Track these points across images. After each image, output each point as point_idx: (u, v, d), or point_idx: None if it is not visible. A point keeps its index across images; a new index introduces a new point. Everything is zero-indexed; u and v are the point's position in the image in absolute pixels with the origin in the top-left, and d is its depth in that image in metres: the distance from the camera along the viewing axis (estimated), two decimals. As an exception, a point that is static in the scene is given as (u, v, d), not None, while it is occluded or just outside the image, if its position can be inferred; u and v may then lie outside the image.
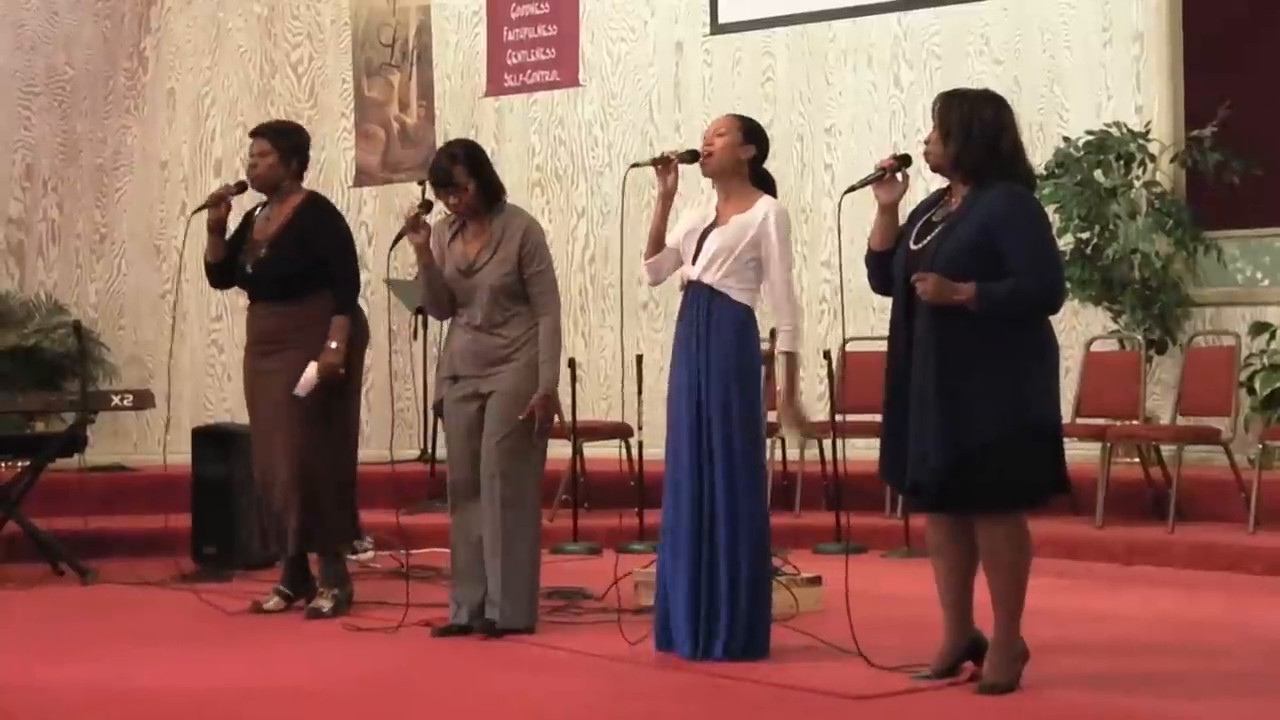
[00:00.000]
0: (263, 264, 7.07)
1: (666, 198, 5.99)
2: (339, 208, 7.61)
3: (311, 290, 7.01)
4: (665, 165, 5.97)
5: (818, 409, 10.21)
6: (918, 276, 5.22)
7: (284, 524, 7.00)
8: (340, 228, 7.19)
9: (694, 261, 5.93)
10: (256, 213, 7.26)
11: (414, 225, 6.39)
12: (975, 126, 5.28)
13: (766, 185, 6.03)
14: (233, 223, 7.36)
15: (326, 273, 7.03)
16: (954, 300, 5.18)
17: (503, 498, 6.29)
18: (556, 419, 6.46)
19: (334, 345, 6.95)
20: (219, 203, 7.18)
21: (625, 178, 6.27)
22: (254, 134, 7.31)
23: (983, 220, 5.23)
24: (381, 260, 8.55)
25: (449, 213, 6.51)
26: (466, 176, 6.40)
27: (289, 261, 7.02)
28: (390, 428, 9.25)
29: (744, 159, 5.96)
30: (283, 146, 7.16)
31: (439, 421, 6.60)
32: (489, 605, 6.35)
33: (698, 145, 6.03)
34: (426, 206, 6.49)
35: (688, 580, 5.86)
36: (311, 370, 6.91)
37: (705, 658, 5.80)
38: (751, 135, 5.99)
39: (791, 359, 5.96)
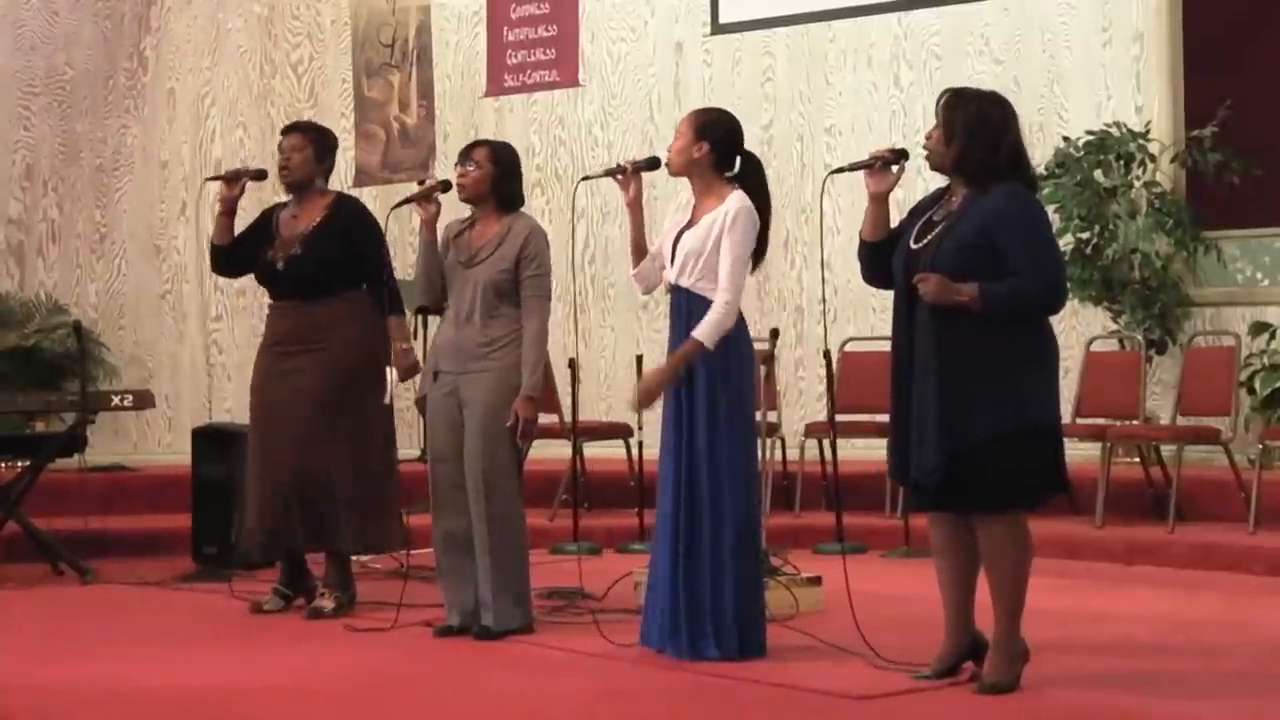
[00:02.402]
0: (296, 261, 7.01)
1: (632, 206, 5.98)
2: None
3: (341, 289, 7.00)
4: (624, 176, 5.96)
5: (817, 409, 10.24)
6: (920, 277, 5.22)
7: (290, 524, 6.94)
8: (377, 227, 7.12)
9: (671, 265, 5.91)
10: (279, 212, 7.20)
11: (427, 197, 6.48)
12: (979, 128, 5.28)
13: (751, 169, 5.92)
14: (248, 217, 7.33)
15: (359, 272, 7.01)
16: (956, 300, 5.18)
17: (487, 501, 6.31)
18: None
19: (405, 346, 6.97)
20: (235, 180, 7.15)
21: (575, 190, 6.27)
22: (289, 129, 7.26)
23: (983, 220, 5.23)
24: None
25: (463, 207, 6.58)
26: (485, 159, 6.47)
27: (325, 257, 6.97)
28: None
29: (697, 158, 5.86)
30: (317, 144, 7.15)
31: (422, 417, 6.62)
32: (482, 610, 6.35)
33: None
34: (445, 186, 6.57)
35: (669, 581, 5.85)
36: (392, 375, 6.93)
37: (696, 658, 5.79)
38: (704, 131, 5.87)
39: (694, 347, 5.72)
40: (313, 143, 7.13)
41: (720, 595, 5.79)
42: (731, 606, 5.80)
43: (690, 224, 5.87)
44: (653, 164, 6.03)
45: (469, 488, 6.35)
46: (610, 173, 6.06)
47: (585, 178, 6.33)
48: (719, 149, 5.89)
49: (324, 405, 6.91)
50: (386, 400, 6.93)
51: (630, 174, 6.00)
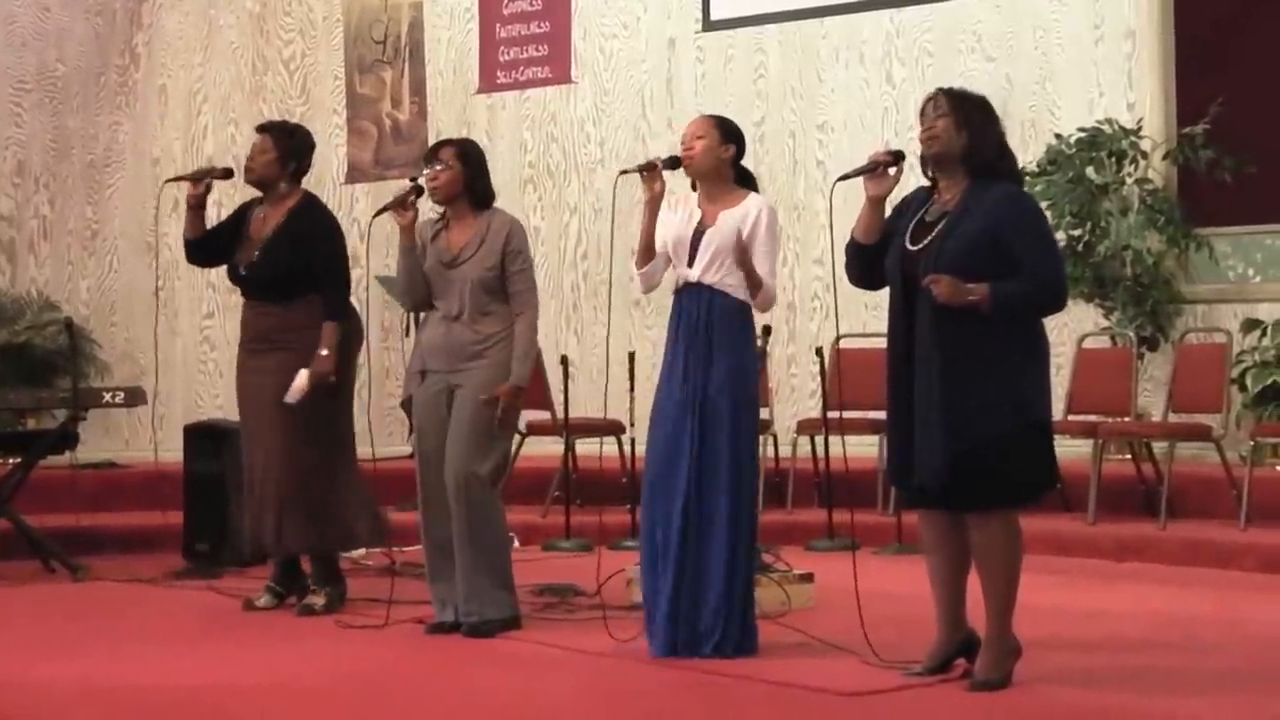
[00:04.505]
0: (255, 266, 7.05)
1: (653, 203, 5.98)
2: (331, 205, 7.58)
3: (303, 293, 7.00)
4: (652, 172, 5.97)
5: (809, 405, 10.24)
6: (931, 279, 5.18)
7: (263, 524, 6.98)
8: (333, 232, 7.13)
9: (690, 264, 5.91)
10: (253, 210, 7.22)
11: (402, 204, 6.46)
12: (985, 126, 5.31)
13: (747, 181, 6.05)
14: (225, 212, 7.32)
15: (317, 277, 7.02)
16: (968, 301, 5.16)
17: (468, 493, 6.31)
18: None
19: (324, 352, 6.93)
20: (200, 179, 7.16)
21: (616, 183, 6.25)
22: (260, 129, 7.28)
23: (989, 220, 5.22)
24: (374, 257, 8.53)
25: (434, 209, 6.55)
26: (453, 159, 6.47)
27: (281, 265, 7.00)
28: (381, 424, 9.24)
29: (725, 159, 5.96)
30: (283, 146, 7.13)
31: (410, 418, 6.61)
32: (467, 603, 6.32)
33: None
34: (418, 191, 6.54)
35: (673, 579, 5.84)
36: (302, 377, 6.90)
37: (693, 656, 5.78)
38: (729, 135, 6.01)
39: (764, 287, 5.91)
40: (278, 144, 7.12)
41: (732, 593, 5.80)
42: (740, 604, 5.82)
43: (706, 223, 5.92)
44: (674, 163, 6.05)
45: (447, 478, 6.33)
46: (644, 168, 6.05)
47: (624, 172, 6.28)
48: (739, 154, 6.03)
49: (283, 405, 6.91)
50: (289, 400, 6.89)
51: (661, 169, 6.02)
